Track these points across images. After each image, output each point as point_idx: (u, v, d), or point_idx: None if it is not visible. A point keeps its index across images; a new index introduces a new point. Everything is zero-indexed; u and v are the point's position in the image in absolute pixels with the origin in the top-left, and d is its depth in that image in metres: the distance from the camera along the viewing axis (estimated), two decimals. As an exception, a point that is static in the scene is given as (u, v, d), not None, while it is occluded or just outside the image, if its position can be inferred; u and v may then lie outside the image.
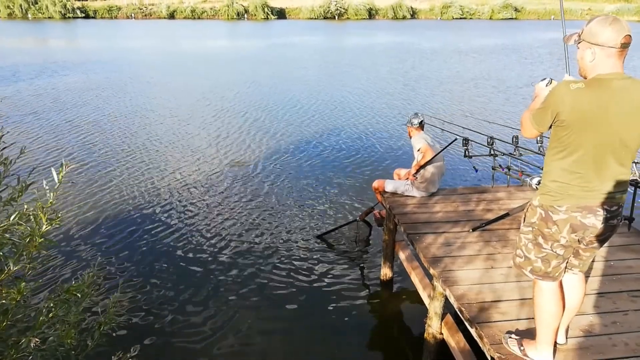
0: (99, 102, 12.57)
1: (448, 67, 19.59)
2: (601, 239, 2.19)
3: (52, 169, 1.84)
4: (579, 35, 2.09)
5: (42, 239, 1.78)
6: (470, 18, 54.78)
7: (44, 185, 1.79)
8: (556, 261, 2.25)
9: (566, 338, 2.54)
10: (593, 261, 3.32)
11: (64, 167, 1.79)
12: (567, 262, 2.32)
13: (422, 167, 4.45)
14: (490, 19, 54.12)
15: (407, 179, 4.60)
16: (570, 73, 2.36)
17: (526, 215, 2.32)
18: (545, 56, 22.74)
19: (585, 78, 2.10)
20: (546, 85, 2.29)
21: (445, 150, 4.54)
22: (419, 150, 4.54)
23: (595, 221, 2.11)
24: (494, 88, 14.97)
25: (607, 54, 2.00)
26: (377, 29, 41.16)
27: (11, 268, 1.74)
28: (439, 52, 24.80)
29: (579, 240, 2.20)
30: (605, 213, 2.10)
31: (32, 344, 1.75)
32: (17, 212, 1.77)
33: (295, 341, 3.92)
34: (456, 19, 53.99)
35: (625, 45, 1.98)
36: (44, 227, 1.77)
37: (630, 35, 1.97)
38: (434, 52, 24.76)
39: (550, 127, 2.13)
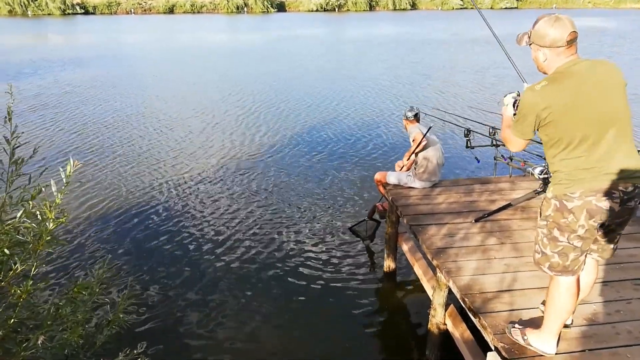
0: (113, 100, 12.58)
1: (454, 57, 19.53)
2: (619, 222, 2.17)
3: (60, 168, 1.85)
4: (529, 37, 2.20)
5: (50, 238, 1.79)
6: (472, 8, 54.41)
7: (52, 185, 1.80)
8: (574, 254, 2.18)
9: (571, 319, 2.56)
10: None
11: (71, 166, 1.80)
12: (585, 255, 2.25)
13: (416, 152, 4.46)
14: (492, 8, 53.76)
15: (407, 167, 4.62)
16: (527, 81, 2.48)
17: (541, 209, 2.27)
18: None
19: (545, 74, 2.20)
20: (514, 102, 2.40)
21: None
22: (413, 139, 4.57)
23: (612, 204, 2.06)
24: (501, 78, 14.91)
25: (556, 53, 2.13)
26: (378, 20, 40.97)
27: (18, 267, 1.76)
28: (446, 42, 24.68)
29: (598, 228, 2.15)
30: (621, 195, 2.06)
31: (39, 342, 1.76)
32: (23, 210, 1.78)
33: (299, 333, 3.95)
34: (457, 9, 53.69)
35: (571, 42, 2.09)
36: (51, 225, 1.78)
37: (575, 31, 2.08)
38: (440, 42, 24.65)
39: (536, 130, 2.19)
